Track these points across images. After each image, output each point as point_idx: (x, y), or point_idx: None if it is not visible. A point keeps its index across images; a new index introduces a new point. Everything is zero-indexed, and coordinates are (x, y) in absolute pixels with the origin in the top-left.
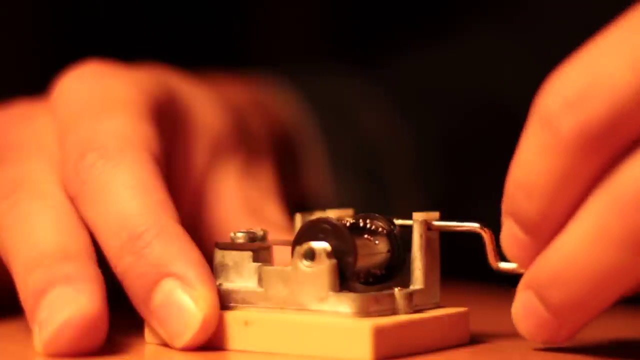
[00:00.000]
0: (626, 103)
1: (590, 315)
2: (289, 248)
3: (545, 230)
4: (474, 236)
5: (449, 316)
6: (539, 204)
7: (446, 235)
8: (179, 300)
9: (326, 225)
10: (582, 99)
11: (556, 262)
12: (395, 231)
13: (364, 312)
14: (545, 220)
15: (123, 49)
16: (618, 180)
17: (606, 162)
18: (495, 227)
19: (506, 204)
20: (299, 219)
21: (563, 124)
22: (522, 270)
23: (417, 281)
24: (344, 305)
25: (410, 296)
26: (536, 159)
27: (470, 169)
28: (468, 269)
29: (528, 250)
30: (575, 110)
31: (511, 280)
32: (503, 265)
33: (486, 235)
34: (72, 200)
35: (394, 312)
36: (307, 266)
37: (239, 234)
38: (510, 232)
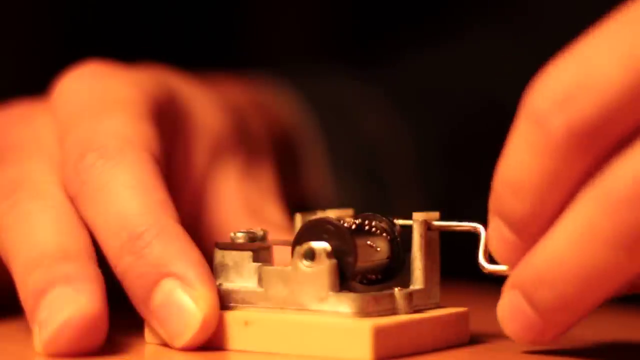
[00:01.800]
0: (616, 101)
1: (577, 317)
2: (289, 248)
3: (533, 230)
4: (474, 236)
5: (449, 316)
6: (527, 203)
7: (446, 235)
8: (179, 300)
9: (330, 227)
10: (572, 97)
11: (543, 262)
12: (396, 232)
13: (364, 312)
14: (534, 219)
15: (123, 49)
16: (607, 178)
17: (595, 161)
18: None
19: (493, 203)
20: (299, 219)
21: (552, 122)
22: (509, 272)
23: (417, 281)
24: (344, 305)
25: (410, 296)
26: (525, 157)
27: (470, 169)
28: (468, 269)
29: (516, 250)
30: (564, 109)
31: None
32: (490, 267)
33: (484, 234)
34: (72, 200)
35: (394, 312)
36: (307, 266)
37: (239, 234)
38: (498, 232)
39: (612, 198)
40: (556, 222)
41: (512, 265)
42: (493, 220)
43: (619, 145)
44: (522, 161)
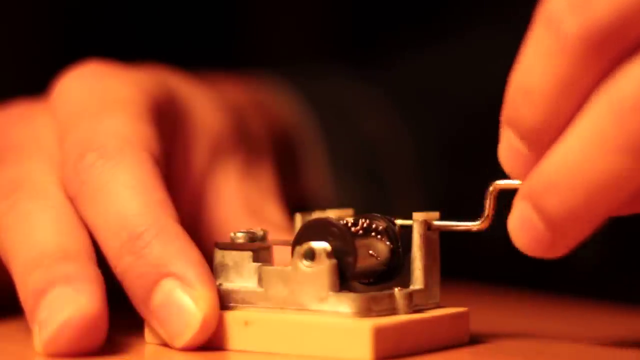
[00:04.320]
0: (632, 4)
1: (584, 229)
2: (289, 248)
3: (544, 140)
4: (474, 236)
5: (449, 316)
6: (539, 110)
7: (446, 235)
8: (179, 300)
9: (333, 228)
10: None
11: (552, 170)
12: (396, 232)
13: (364, 312)
14: (546, 127)
15: (123, 49)
16: (618, 83)
17: (609, 67)
18: (495, 227)
19: (506, 112)
20: (299, 219)
21: (567, 25)
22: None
23: (417, 281)
24: (344, 305)
25: (410, 296)
26: (539, 62)
27: (470, 169)
28: (468, 269)
29: (526, 162)
30: (580, 11)
31: (511, 280)
32: (501, 182)
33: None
34: (72, 200)
35: (394, 312)
36: (307, 266)
37: (239, 234)
38: (509, 144)
39: (620, 103)
40: (567, 130)
41: (523, 177)
42: (505, 130)
43: (631, 51)
44: (535, 66)
